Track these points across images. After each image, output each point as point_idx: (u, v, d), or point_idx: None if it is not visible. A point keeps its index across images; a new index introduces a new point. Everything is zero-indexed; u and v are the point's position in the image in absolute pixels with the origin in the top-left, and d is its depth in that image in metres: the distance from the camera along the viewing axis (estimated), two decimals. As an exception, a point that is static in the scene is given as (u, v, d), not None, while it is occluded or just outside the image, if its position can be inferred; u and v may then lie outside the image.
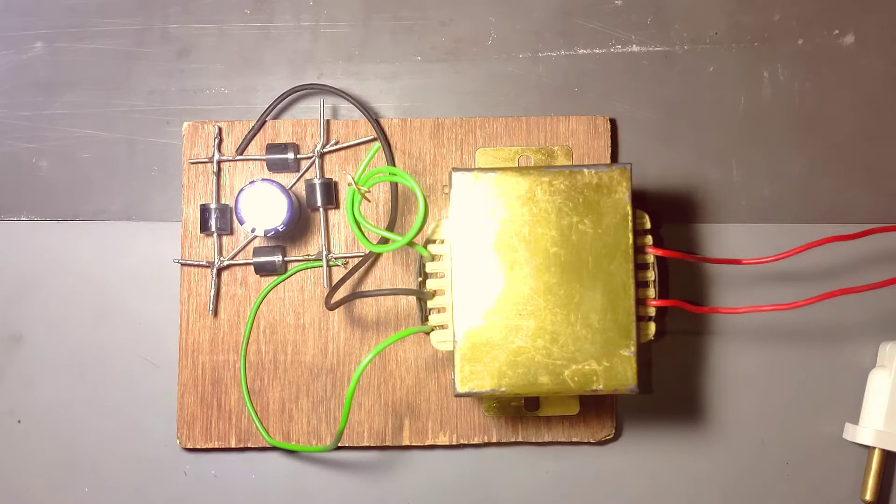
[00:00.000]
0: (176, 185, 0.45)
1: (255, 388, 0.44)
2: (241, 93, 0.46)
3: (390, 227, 0.44)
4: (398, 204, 0.44)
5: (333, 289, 0.42)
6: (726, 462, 0.45)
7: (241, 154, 0.44)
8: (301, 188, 0.44)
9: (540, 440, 0.44)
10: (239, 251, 0.44)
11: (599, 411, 0.44)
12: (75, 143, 0.45)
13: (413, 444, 0.44)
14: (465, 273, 0.38)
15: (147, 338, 0.45)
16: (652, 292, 0.39)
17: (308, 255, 0.44)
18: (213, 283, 0.44)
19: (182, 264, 0.44)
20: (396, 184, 0.44)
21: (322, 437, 0.44)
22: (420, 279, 0.41)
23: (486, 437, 0.44)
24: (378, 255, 0.44)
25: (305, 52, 0.46)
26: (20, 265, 0.45)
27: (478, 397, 0.43)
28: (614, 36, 0.46)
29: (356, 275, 0.44)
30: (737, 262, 0.41)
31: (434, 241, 0.40)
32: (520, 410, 0.44)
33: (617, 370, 0.37)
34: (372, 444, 0.44)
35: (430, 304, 0.40)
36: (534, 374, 0.37)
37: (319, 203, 0.43)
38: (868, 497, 0.44)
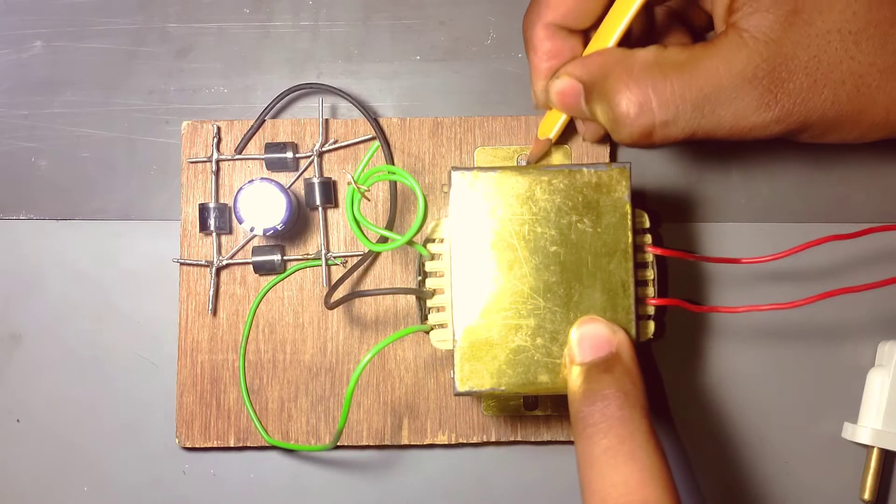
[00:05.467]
0: (175, 184, 0.45)
1: (253, 388, 0.44)
2: (241, 92, 0.46)
3: (389, 225, 0.44)
4: (397, 203, 0.44)
5: (332, 288, 0.42)
6: (725, 461, 0.45)
7: (240, 153, 0.44)
8: (300, 187, 0.44)
9: (539, 439, 0.44)
10: (238, 250, 0.44)
11: (598, 410, 0.44)
12: (74, 143, 0.45)
13: (412, 443, 0.44)
14: (464, 272, 0.38)
15: (146, 337, 0.45)
16: (651, 291, 0.39)
17: (307, 255, 0.44)
18: (212, 282, 0.44)
19: (181, 263, 0.44)
20: (395, 183, 0.44)
21: (321, 436, 0.44)
22: (419, 278, 0.41)
23: (485, 437, 0.44)
24: (377, 254, 0.44)
25: (304, 51, 0.46)
26: (19, 264, 0.45)
27: (477, 396, 0.43)
28: (613, 35, 0.46)
29: (355, 274, 0.44)
30: (736, 261, 0.41)
31: (433, 240, 0.40)
32: (519, 409, 0.44)
33: (616, 369, 0.37)
34: (371, 444, 0.44)
35: (429, 302, 0.40)
36: (533, 372, 0.37)
37: (318, 202, 0.43)
38: (867, 496, 0.44)
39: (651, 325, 0.40)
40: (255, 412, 0.44)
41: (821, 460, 0.45)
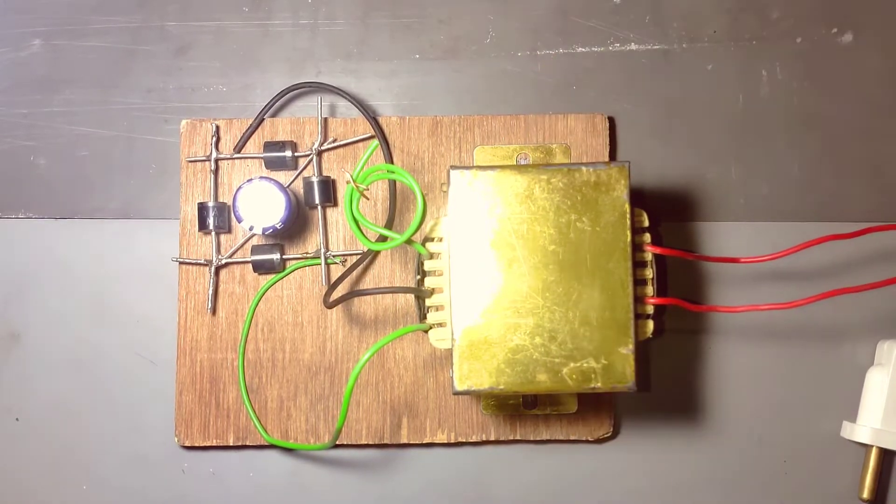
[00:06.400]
0: (174, 183, 0.45)
1: (253, 386, 0.44)
2: (239, 91, 0.46)
3: (388, 224, 0.44)
4: (396, 202, 0.44)
5: (332, 287, 0.42)
6: (724, 460, 0.45)
7: (239, 152, 0.44)
8: (299, 186, 0.44)
9: (538, 438, 0.44)
10: (237, 249, 0.44)
11: (598, 409, 0.44)
12: (73, 141, 0.45)
13: (411, 442, 0.44)
14: (463, 271, 0.38)
15: (145, 336, 0.45)
16: (650, 290, 0.39)
17: (306, 253, 0.44)
18: (212, 281, 0.44)
19: (180, 262, 0.44)
20: (395, 182, 0.44)
21: (320, 435, 0.44)
22: (418, 277, 0.41)
23: (484, 436, 0.44)
24: (376, 253, 0.44)
25: (304, 49, 0.46)
26: (18, 263, 0.45)
27: (476, 395, 0.43)
28: (613, 34, 0.46)
29: (354, 273, 0.44)
30: (735, 260, 0.41)
31: (432, 239, 0.40)
32: (518, 408, 0.44)
33: (615, 368, 0.37)
34: (370, 443, 0.44)
35: (428, 302, 0.40)
36: (532, 371, 0.37)
37: (317, 201, 0.43)
38: (866, 495, 0.44)
39: (650, 324, 0.39)
40: (254, 411, 0.44)
41: (819, 459, 0.45)
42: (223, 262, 0.44)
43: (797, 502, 0.45)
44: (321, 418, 0.44)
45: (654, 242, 0.40)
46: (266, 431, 0.43)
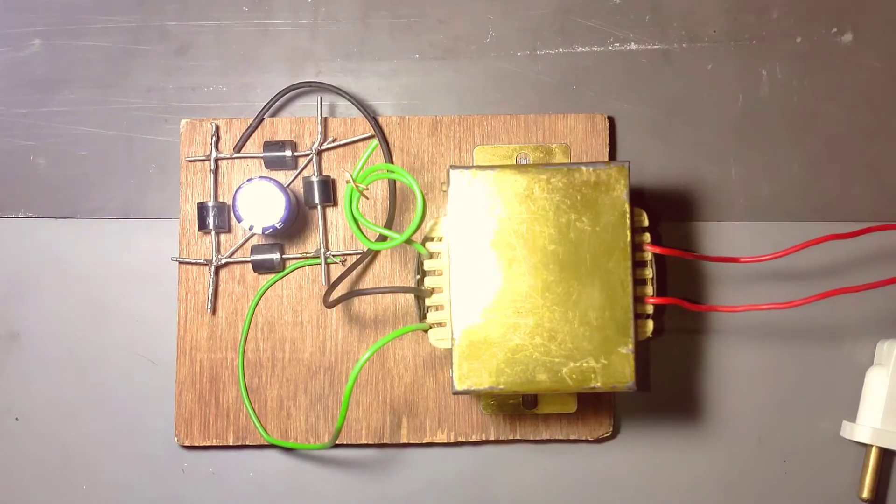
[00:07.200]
0: (174, 182, 0.45)
1: (252, 386, 0.44)
2: (239, 90, 0.46)
3: (388, 224, 0.44)
4: (396, 201, 0.44)
5: (331, 286, 0.42)
6: (724, 460, 0.45)
7: (239, 152, 0.44)
8: (299, 186, 0.44)
9: (538, 438, 0.44)
10: (237, 249, 0.44)
11: (597, 409, 0.44)
12: (73, 141, 0.45)
13: (411, 441, 0.44)
14: (463, 270, 0.38)
15: (145, 335, 0.45)
16: (650, 290, 0.39)
17: (306, 253, 0.44)
18: (211, 280, 0.44)
19: (180, 262, 0.44)
20: (394, 181, 0.44)
21: (320, 434, 0.44)
22: (418, 277, 0.41)
23: (484, 435, 0.44)
24: (376, 253, 0.44)
25: (303, 49, 0.46)
26: (18, 263, 0.45)
27: (476, 395, 0.43)
28: (613, 34, 0.46)
29: (354, 272, 0.44)
30: (735, 260, 0.41)
31: (432, 239, 0.40)
32: (518, 408, 0.44)
33: (615, 368, 0.37)
34: (370, 442, 0.44)
35: (428, 301, 0.40)
36: (532, 371, 0.37)
37: (317, 200, 0.43)
38: (865, 495, 0.44)
39: (650, 324, 0.39)
40: (254, 411, 0.44)
41: (819, 459, 0.45)
42: (223, 261, 0.44)
43: (797, 502, 0.45)
44: (321, 418, 0.44)
45: (654, 242, 0.40)
46: (266, 431, 0.43)
